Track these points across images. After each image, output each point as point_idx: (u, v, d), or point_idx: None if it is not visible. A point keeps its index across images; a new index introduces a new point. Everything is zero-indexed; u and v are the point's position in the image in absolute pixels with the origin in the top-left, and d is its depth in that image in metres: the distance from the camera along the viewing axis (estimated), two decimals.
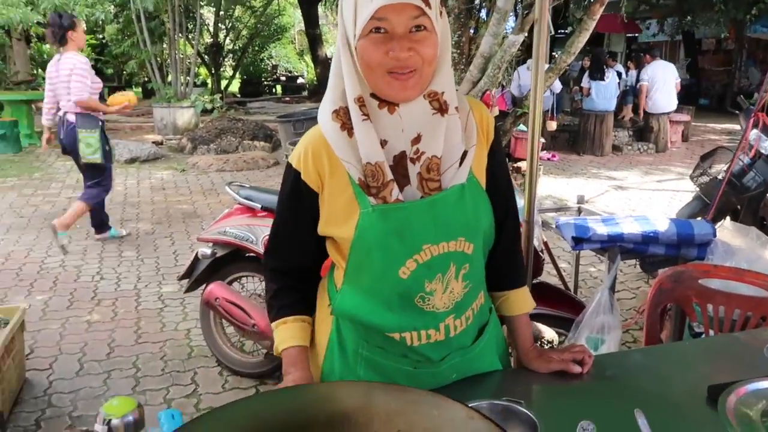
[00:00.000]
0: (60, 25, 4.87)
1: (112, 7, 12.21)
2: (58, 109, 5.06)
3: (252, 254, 3.09)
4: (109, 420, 1.13)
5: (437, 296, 1.27)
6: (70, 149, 5.05)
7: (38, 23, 10.36)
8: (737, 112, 4.73)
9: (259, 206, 3.14)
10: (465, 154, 1.26)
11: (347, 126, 1.21)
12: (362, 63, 1.16)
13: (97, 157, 4.99)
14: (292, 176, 1.29)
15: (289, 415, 1.07)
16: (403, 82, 1.15)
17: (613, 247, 2.71)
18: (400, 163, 1.22)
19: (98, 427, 1.12)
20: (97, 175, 5.20)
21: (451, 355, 1.35)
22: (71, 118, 4.94)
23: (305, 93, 21.41)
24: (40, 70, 17.93)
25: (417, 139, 1.21)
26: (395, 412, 1.05)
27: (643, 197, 7.39)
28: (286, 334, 1.36)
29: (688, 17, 15.04)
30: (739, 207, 4.54)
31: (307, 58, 22.54)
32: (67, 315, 3.97)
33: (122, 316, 3.97)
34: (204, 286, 3.15)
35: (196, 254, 3.26)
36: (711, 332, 2.19)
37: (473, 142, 1.28)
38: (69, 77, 4.87)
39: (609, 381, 1.46)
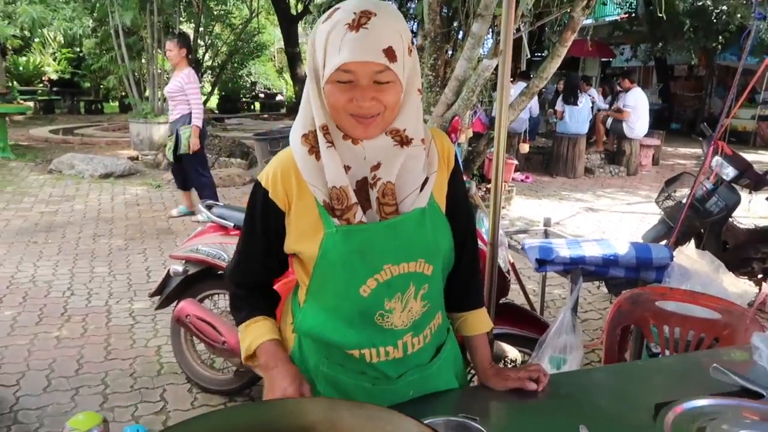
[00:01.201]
0: None
1: (91, 21, 12.16)
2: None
3: (223, 272, 3.11)
4: None
5: (396, 314, 1.33)
6: None
7: (14, 36, 10.29)
8: (701, 138, 4.88)
9: (232, 225, 3.17)
10: (426, 180, 1.32)
11: (315, 150, 1.27)
12: (328, 103, 1.22)
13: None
14: (260, 194, 1.33)
15: (251, 429, 1.11)
16: (365, 127, 1.22)
17: (576, 269, 2.80)
18: (362, 188, 1.28)
19: None
20: None
21: (408, 372, 1.40)
22: None
23: (284, 110, 21.46)
24: (15, 82, 17.80)
25: (376, 167, 1.27)
26: (353, 426, 1.10)
27: (612, 219, 7.53)
28: (260, 330, 1.39)
29: (660, 44, 15.42)
30: (702, 231, 4.67)
31: (286, 75, 22.61)
32: (36, 330, 3.95)
33: (92, 332, 3.96)
34: (175, 303, 3.17)
35: (168, 271, 3.28)
36: (667, 352, 2.27)
37: (434, 170, 1.34)
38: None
39: (562, 398, 1.52)
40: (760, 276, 4.54)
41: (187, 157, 6.37)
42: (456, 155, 1.47)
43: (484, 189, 6.96)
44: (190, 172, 6.55)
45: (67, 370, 3.44)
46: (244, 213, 1.40)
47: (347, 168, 1.27)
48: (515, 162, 9.01)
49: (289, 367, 1.35)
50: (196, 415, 1.05)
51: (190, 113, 6.28)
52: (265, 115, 20.06)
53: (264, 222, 1.35)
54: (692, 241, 4.69)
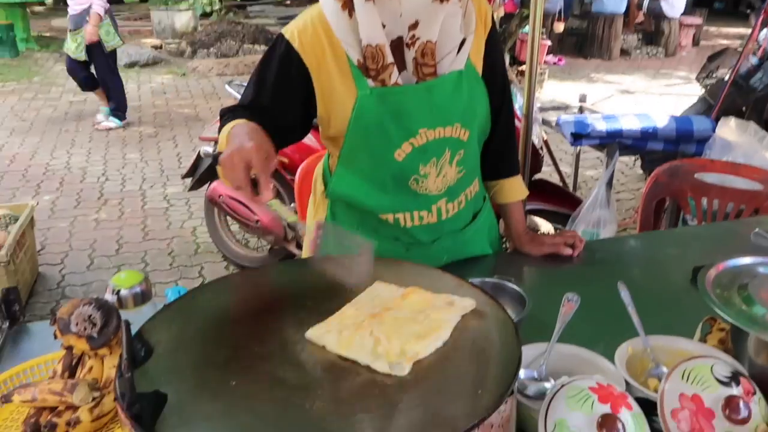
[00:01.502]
0: None
1: None
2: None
3: None
4: (118, 290, 1.19)
5: (431, 179, 1.30)
6: None
7: None
8: (749, 11, 4.60)
9: None
10: (463, 41, 1.25)
11: (348, 6, 1.19)
12: None
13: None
14: (283, 47, 1.24)
15: (291, 284, 1.12)
16: None
17: (612, 143, 2.73)
18: (397, 48, 1.22)
19: (108, 296, 1.18)
20: None
21: (442, 238, 1.39)
22: None
23: None
24: None
25: (414, 25, 1.20)
26: (390, 281, 1.11)
27: (649, 101, 7.29)
28: (238, 120, 1.18)
29: None
30: (744, 109, 4.49)
31: None
32: (75, 214, 4.05)
33: (129, 215, 4.05)
34: (208, 184, 3.19)
35: (198, 153, 3.29)
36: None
37: (471, 30, 1.27)
38: None
39: (598, 262, 1.52)
40: None
41: (100, 52, 5.73)
42: (493, 17, 1.39)
43: (517, 71, 6.74)
44: (101, 69, 5.88)
45: (108, 250, 3.56)
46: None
47: (382, 26, 1.20)
48: (548, 43, 8.66)
49: (256, 131, 1.10)
50: (238, 271, 1.06)
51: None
52: (288, 2, 19.41)
53: (281, 75, 1.25)
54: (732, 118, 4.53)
